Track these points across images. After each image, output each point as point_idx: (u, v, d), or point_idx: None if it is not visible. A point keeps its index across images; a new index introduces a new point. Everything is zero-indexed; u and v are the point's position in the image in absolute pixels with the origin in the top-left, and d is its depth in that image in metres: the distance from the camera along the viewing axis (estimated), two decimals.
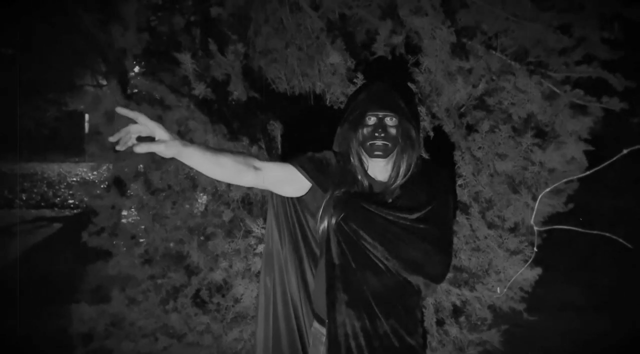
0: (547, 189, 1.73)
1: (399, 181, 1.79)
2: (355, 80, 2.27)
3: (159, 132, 1.48)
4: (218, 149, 1.65)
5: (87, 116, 17.56)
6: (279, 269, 2.07)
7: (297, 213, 2.09)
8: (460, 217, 2.31)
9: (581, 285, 5.12)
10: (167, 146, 1.47)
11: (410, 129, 1.77)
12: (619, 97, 2.24)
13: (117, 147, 1.48)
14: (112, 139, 1.46)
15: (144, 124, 1.47)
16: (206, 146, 1.62)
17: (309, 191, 1.84)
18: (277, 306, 2.04)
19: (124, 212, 2.82)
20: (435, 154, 2.25)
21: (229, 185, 2.54)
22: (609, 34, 2.23)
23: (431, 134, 2.24)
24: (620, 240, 1.34)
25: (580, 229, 1.56)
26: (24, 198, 10.79)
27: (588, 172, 1.72)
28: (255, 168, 1.70)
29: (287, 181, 1.78)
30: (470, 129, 2.34)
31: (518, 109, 2.25)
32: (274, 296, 2.05)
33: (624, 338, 3.98)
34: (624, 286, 5.07)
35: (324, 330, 1.80)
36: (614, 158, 1.36)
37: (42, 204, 10.41)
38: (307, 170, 1.78)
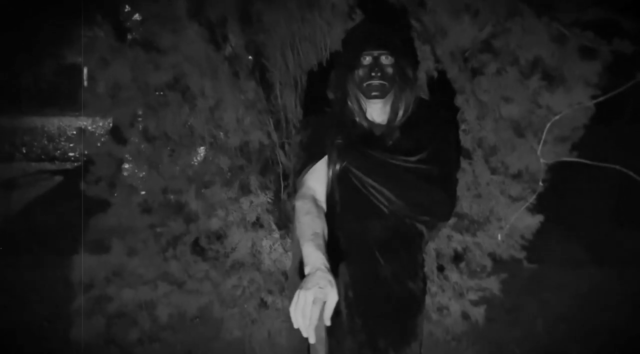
0: (556, 117, 1.68)
1: (397, 122, 1.74)
2: (353, 16, 2.19)
3: (329, 293, 1.32)
4: (312, 226, 1.53)
5: (85, 69, 17.35)
6: None
7: None
8: (463, 163, 2.27)
9: (583, 238, 5.13)
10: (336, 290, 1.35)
11: (407, 68, 1.72)
12: (630, 40, 2.16)
13: (309, 337, 1.30)
14: (312, 340, 1.30)
15: (322, 299, 1.31)
16: (314, 238, 1.48)
17: None
18: None
19: (126, 165, 2.79)
20: (439, 98, 2.19)
21: (226, 134, 2.51)
22: None
23: (434, 74, 2.18)
24: (631, 174, 1.30)
25: (588, 162, 1.52)
26: (25, 151, 10.79)
27: (600, 99, 1.65)
28: (322, 202, 1.67)
29: (326, 178, 1.73)
30: (476, 73, 2.27)
31: (525, 52, 2.17)
32: None
33: (623, 292, 4.00)
34: (627, 241, 5.08)
35: None
36: (628, 85, 1.30)
37: (43, 157, 10.42)
38: (320, 154, 1.72)
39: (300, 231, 1.55)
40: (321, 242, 1.48)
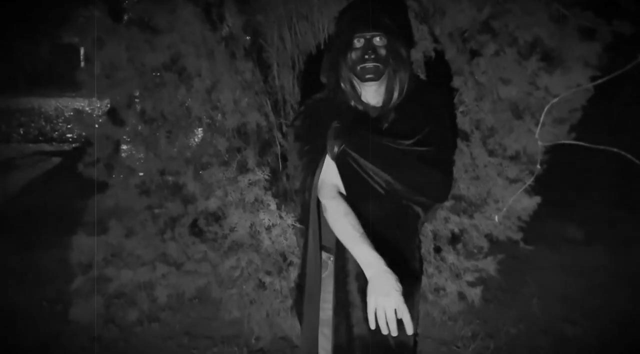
0: (555, 100, 1.67)
1: (393, 104, 1.72)
2: None
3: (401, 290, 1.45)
4: (357, 226, 1.58)
5: (82, 50, 17.22)
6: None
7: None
8: (460, 145, 2.26)
9: (580, 220, 5.14)
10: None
11: (401, 48, 1.69)
12: (630, 20, 2.13)
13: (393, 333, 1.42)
14: (395, 334, 1.41)
15: (401, 300, 1.43)
16: (364, 239, 1.55)
17: None
18: None
19: (124, 147, 2.78)
20: (437, 79, 2.17)
21: (224, 115, 2.49)
22: None
23: (432, 54, 2.15)
24: (629, 156, 1.29)
25: (585, 144, 1.51)
26: (22, 133, 10.75)
27: (600, 81, 1.64)
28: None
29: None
30: (474, 54, 2.25)
31: (524, 33, 2.14)
32: None
33: (620, 273, 4.02)
34: (623, 222, 5.10)
35: (324, 255, 1.81)
36: (628, 66, 1.29)
37: (40, 138, 10.39)
38: (324, 145, 1.71)
39: (345, 231, 1.59)
40: (370, 241, 1.54)
